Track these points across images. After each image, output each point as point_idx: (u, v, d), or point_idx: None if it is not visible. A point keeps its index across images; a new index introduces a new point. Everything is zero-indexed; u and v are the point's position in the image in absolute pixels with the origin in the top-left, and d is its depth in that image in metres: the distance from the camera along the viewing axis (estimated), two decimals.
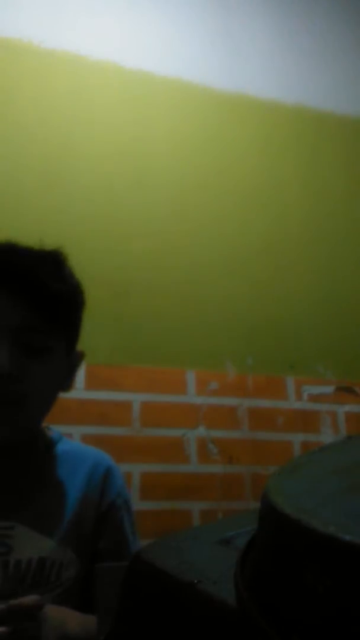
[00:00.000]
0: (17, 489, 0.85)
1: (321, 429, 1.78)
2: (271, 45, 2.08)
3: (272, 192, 1.95)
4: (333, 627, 0.29)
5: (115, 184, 1.76)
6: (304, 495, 0.35)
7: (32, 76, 1.75)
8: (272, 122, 2.01)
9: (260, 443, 1.70)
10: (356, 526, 0.30)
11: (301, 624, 0.31)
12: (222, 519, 1.48)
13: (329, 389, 1.83)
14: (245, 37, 2.05)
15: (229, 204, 1.88)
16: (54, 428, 0.99)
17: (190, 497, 1.57)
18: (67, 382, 0.92)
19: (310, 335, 1.85)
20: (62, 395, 0.91)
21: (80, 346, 0.94)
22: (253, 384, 1.75)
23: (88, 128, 1.77)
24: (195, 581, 0.39)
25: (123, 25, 1.89)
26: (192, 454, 1.62)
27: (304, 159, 2.02)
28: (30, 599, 0.67)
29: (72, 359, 0.92)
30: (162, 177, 1.82)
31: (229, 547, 0.45)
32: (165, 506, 1.52)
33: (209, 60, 1.98)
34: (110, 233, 1.70)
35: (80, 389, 1.52)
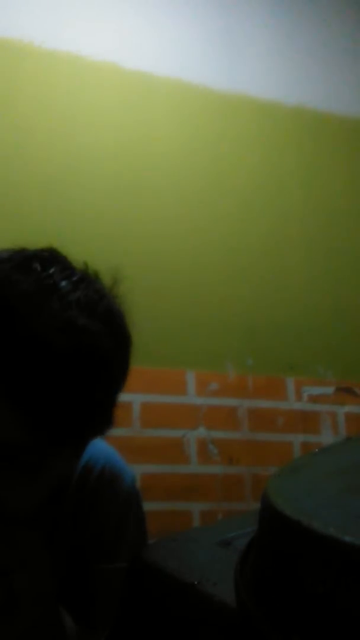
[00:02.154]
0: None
1: (321, 429, 1.78)
2: (271, 45, 2.08)
3: (271, 192, 1.95)
4: (333, 627, 0.29)
5: (115, 185, 1.76)
6: (304, 497, 0.35)
7: (32, 76, 1.75)
8: (272, 122, 2.00)
9: (260, 444, 1.70)
10: (356, 527, 0.30)
11: (301, 625, 0.31)
12: (222, 520, 1.48)
13: (329, 390, 1.83)
14: (245, 37, 2.05)
15: (229, 204, 1.88)
16: None
17: (190, 498, 1.57)
18: (72, 469, 0.74)
19: (310, 335, 1.85)
20: None
21: None
22: (253, 385, 1.75)
23: (88, 128, 1.77)
24: (196, 582, 0.39)
25: (123, 26, 1.89)
26: (192, 455, 1.62)
27: (304, 159, 2.02)
28: None
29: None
30: (162, 177, 1.82)
31: (229, 549, 0.45)
32: (165, 507, 1.52)
33: (209, 61, 1.98)
34: (110, 233, 1.70)
35: None
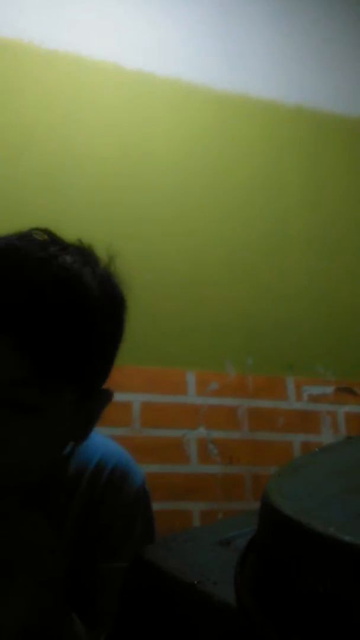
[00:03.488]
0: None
1: (321, 429, 1.78)
2: (271, 45, 2.08)
3: (272, 192, 1.95)
4: (333, 627, 0.29)
5: (116, 185, 1.76)
6: (304, 496, 0.35)
7: (32, 77, 1.75)
8: (273, 122, 2.00)
9: (260, 443, 1.70)
10: (356, 527, 0.30)
11: (301, 624, 0.31)
12: (222, 519, 1.48)
13: (329, 390, 1.83)
14: (245, 37, 2.05)
15: (229, 204, 1.88)
16: None
17: (190, 498, 1.57)
18: (86, 430, 0.72)
19: (310, 335, 1.85)
20: None
21: None
22: (253, 385, 1.75)
23: (88, 128, 1.77)
24: (196, 582, 0.39)
25: (123, 26, 1.89)
26: (192, 455, 1.62)
27: (304, 159, 2.02)
28: None
29: (95, 403, 0.71)
30: (162, 177, 1.82)
31: (229, 548, 0.45)
32: (165, 506, 1.52)
33: (209, 61, 1.98)
34: (110, 233, 1.70)
35: None
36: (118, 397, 1.71)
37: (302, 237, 1.94)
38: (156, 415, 1.61)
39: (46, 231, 0.70)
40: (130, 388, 1.60)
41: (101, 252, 0.79)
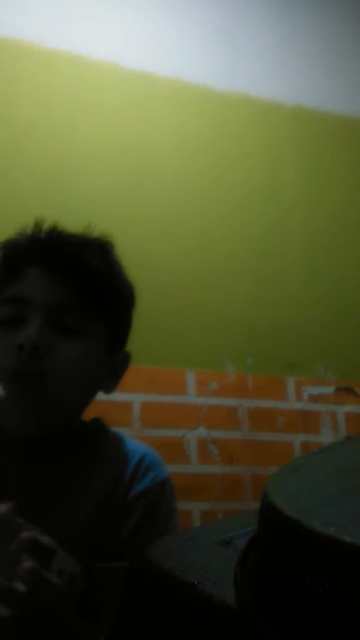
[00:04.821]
0: (46, 492, 0.80)
1: (321, 429, 1.78)
2: (271, 45, 2.08)
3: (272, 192, 1.95)
4: (333, 627, 0.29)
5: (115, 184, 1.76)
6: (304, 496, 0.35)
7: (32, 76, 1.75)
8: (273, 122, 2.01)
9: (260, 443, 1.70)
10: (356, 527, 0.30)
11: (301, 625, 0.31)
12: (222, 519, 1.48)
13: (329, 390, 1.83)
14: (245, 37, 2.05)
15: (229, 204, 1.88)
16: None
17: (190, 498, 1.57)
18: (110, 383, 0.88)
19: (310, 335, 1.85)
20: None
21: None
22: (253, 384, 1.75)
23: (88, 128, 1.77)
24: (195, 582, 0.39)
25: (123, 26, 1.89)
26: (192, 455, 1.62)
27: (304, 159, 2.02)
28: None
29: (117, 358, 0.88)
30: (162, 177, 1.82)
31: (229, 548, 0.45)
32: None
33: (209, 60, 1.98)
34: (110, 232, 1.70)
35: None
36: (118, 397, 1.71)
37: (302, 237, 1.94)
38: (156, 415, 1.61)
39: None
40: (130, 388, 1.60)
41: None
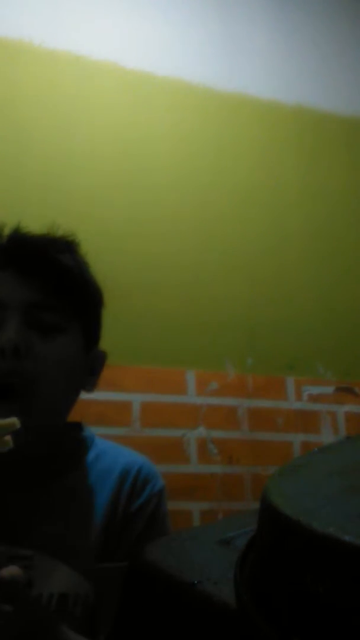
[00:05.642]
0: (38, 507, 0.79)
1: (321, 429, 1.78)
2: (271, 45, 2.08)
3: (271, 192, 1.95)
4: (333, 627, 0.29)
5: (115, 184, 1.76)
6: (303, 496, 0.35)
7: (32, 76, 1.75)
8: (272, 122, 2.00)
9: (260, 443, 1.70)
10: (356, 527, 0.30)
11: (301, 625, 0.31)
12: (222, 519, 1.48)
13: (329, 389, 1.83)
14: (245, 37, 2.05)
15: (229, 204, 1.88)
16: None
17: (190, 498, 1.57)
18: (89, 381, 0.89)
19: (310, 335, 1.85)
20: None
21: None
22: (253, 384, 1.75)
23: (88, 128, 1.77)
24: (195, 581, 0.39)
25: (123, 26, 1.89)
26: (192, 454, 1.62)
27: (304, 159, 2.02)
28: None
29: (93, 356, 0.89)
30: (162, 177, 1.82)
31: (229, 548, 0.45)
32: None
33: (209, 60, 1.98)
34: (110, 233, 1.70)
35: None
36: (118, 397, 1.71)
37: (301, 237, 1.94)
38: (156, 415, 1.61)
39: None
40: (130, 388, 1.60)
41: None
